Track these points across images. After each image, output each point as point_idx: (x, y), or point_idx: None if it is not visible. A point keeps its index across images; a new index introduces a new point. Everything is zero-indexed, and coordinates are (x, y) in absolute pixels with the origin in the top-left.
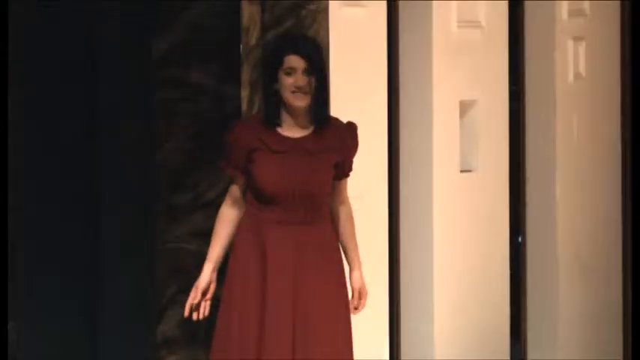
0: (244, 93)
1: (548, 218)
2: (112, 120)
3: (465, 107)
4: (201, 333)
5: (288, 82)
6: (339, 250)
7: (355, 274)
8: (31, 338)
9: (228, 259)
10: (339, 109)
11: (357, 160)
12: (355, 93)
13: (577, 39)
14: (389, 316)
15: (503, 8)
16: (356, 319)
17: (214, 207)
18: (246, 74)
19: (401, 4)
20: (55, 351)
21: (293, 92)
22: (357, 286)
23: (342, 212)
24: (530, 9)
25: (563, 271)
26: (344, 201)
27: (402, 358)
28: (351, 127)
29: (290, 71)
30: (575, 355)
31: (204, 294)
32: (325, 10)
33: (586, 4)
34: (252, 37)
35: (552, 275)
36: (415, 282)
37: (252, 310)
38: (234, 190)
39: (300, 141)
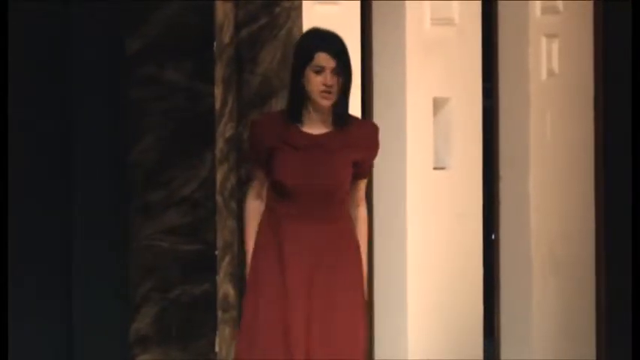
0: (218, 91)
1: (521, 216)
2: (86, 118)
3: (438, 105)
4: (174, 331)
5: (316, 80)
6: (358, 249)
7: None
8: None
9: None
10: None
11: None
12: None
13: (550, 36)
14: None
15: (477, 6)
16: None
17: (188, 204)
18: (219, 72)
19: (374, 1)
20: (29, 349)
21: (321, 91)
22: None
23: (357, 213)
24: (503, 6)
25: (537, 269)
26: (360, 202)
27: (377, 355)
28: (373, 128)
29: (319, 69)
30: (549, 351)
31: None
32: (299, 8)
33: (559, 2)
34: (226, 35)
35: (526, 272)
36: (389, 279)
37: (275, 300)
38: (256, 185)
39: (320, 138)
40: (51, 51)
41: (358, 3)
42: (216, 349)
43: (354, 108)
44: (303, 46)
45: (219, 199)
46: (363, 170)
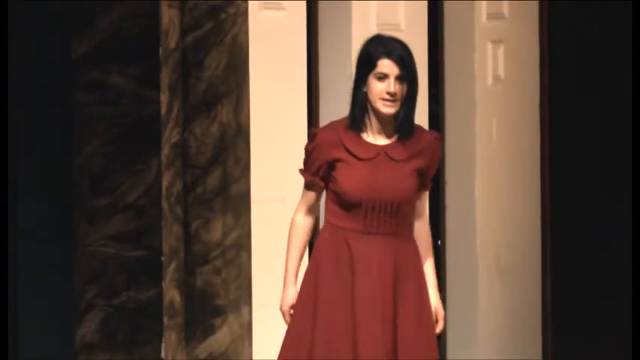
0: (163, 96)
1: (467, 221)
2: (30, 123)
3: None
4: (120, 337)
5: (379, 87)
6: (421, 264)
7: (432, 292)
8: None
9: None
10: (260, 111)
11: (278, 162)
12: (275, 95)
13: (496, 42)
14: None
15: (423, 11)
16: (275, 320)
17: (134, 210)
18: (165, 77)
19: (320, 6)
20: None
21: (384, 99)
22: (433, 305)
23: (421, 227)
24: (449, 12)
25: (483, 274)
26: (423, 215)
27: None
28: (436, 139)
29: (382, 76)
30: (495, 355)
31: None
32: (245, 14)
33: (505, 7)
34: (172, 40)
35: (472, 277)
36: None
37: (340, 317)
38: (311, 198)
39: (384, 148)
40: None
41: (304, 9)
42: (162, 355)
43: (301, 113)
44: (366, 52)
45: (164, 204)
46: (424, 182)
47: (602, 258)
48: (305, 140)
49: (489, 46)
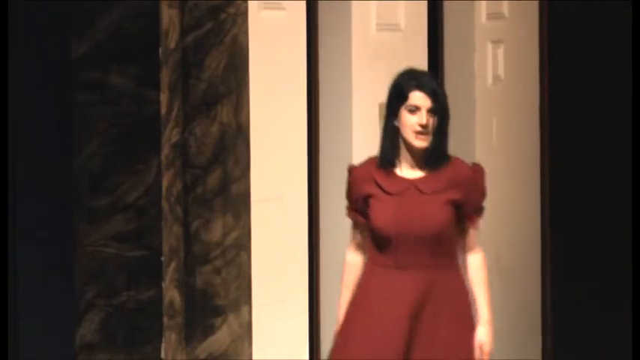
0: (163, 96)
1: None
2: (30, 123)
3: (384, 109)
4: (120, 337)
5: (411, 120)
6: (467, 298)
7: (481, 328)
8: None
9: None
10: (259, 111)
11: (276, 162)
12: (275, 95)
13: (496, 42)
14: (309, 317)
15: (422, 11)
16: (275, 320)
17: (134, 210)
18: (165, 77)
19: (320, 6)
20: None
21: (416, 132)
22: (479, 341)
23: (472, 260)
24: (449, 12)
25: None
26: (473, 247)
27: (322, 358)
28: (476, 169)
29: (414, 109)
30: (495, 355)
31: None
32: (245, 13)
33: (505, 7)
34: (172, 40)
35: None
36: (335, 283)
37: (359, 350)
38: (357, 235)
39: (415, 182)
40: None
41: (304, 9)
42: (162, 355)
43: (300, 113)
44: (397, 85)
45: (164, 205)
46: (467, 213)
47: (602, 258)
48: (305, 140)
49: (489, 46)
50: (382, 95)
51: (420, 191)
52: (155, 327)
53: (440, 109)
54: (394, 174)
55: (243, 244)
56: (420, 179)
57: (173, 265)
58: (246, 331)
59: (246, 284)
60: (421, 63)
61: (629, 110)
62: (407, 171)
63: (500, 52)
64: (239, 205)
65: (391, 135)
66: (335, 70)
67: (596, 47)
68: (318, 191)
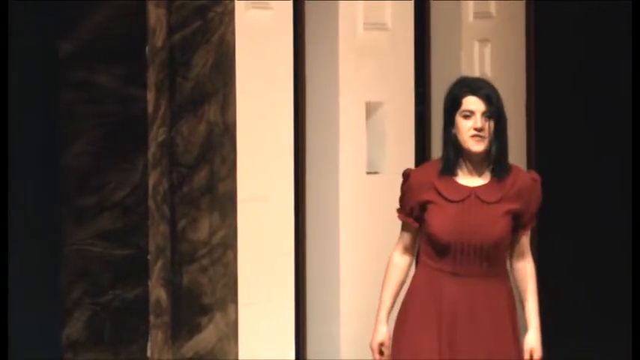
0: (150, 95)
1: None
2: (17, 121)
3: (371, 109)
4: (106, 336)
5: (466, 125)
6: (514, 306)
7: (531, 333)
8: None
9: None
10: (246, 110)
11: (263, 161)
12: (262, 95)
13: (483, 41)
14: (295, 316)
15: (409, 10)
16: (262, 319)
17: (120, 209)
18: (152, 76)
19: (307, 6)
20: None
21: (471, 136)
22: (530, 346)
23: (523, 267)
24: (435, 11)
25: None
26: (525, 255)
27: (308, 358)
28: (534, 179)
29: (468, 114)
30: None
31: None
32: (232, 13)
33: (492, 6)
34: (159, 39)
35: None
36: (321, 283)
37: (424, 353)
38: (406, 238)
39: (476, 190)
40: None
41: (291, 8)
42: (148, 353)
43: (287, 112)
44: (451, 94)
45: (151, 203)
46: (523, 222)
47: (602, 258)
48: (291, 139)
49: (476, 45)
50: (369, 94)
51: (481, 200)
52: (141, 326)
53: (495, 113)
54: (454, 181)
55: (229, 243)
56: (481, 187)
57: (159, 263)
58: (232, 330)
59: (233, 283)
60: (408, 62)
61: (618, 109)
62: (466, 178)
63: (487, 51)
64: (226, 204)
65: (451, 143)
66: (322, 70)
67: (582, 46)
68: (305, 190)
